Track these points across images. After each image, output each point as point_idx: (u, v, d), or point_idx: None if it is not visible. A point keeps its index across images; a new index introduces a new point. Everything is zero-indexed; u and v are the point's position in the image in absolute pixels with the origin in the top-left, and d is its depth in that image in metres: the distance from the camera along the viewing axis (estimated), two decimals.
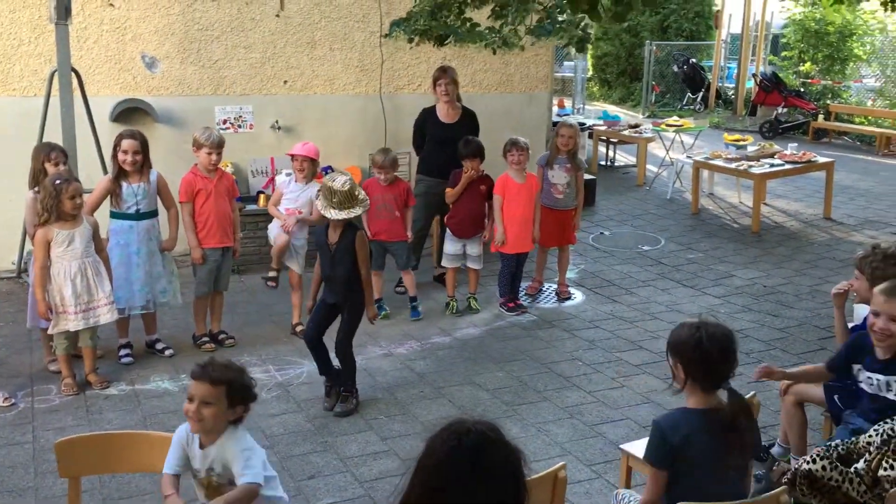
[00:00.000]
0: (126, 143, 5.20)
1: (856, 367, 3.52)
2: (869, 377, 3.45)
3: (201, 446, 2.87)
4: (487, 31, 5.76)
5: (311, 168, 6.03)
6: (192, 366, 2.87)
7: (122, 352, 5.47)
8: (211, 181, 5.57)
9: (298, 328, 5.96)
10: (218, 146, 5.56)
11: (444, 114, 6.90)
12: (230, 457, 2.83)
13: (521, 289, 6.82)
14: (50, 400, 4.88)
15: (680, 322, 2.88)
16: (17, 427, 4.54)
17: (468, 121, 6.97)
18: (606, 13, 3.04)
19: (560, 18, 5.30)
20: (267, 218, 7.18)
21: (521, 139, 6.44)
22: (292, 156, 6.03)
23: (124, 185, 5.26)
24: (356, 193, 4.65)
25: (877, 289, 3.39)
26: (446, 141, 6.73)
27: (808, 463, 2.96)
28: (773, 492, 2.67)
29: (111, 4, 6.96)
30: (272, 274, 6.07)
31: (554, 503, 2.74)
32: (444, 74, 6.84)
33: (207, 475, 2.89)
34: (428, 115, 6.97)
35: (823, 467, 2.91)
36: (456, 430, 1.90)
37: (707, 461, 2.66)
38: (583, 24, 5.27)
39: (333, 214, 4.60)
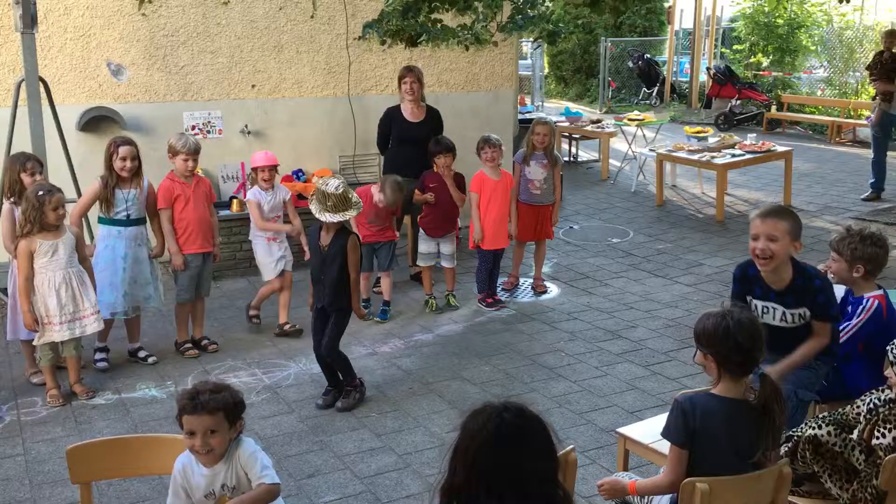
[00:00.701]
0: (124, 150, 5.19)
1: (748, 298, 3.68)
2: (765, 306, 3.61)
3: (206, 465, 2.81)
4: (459, 29, 5.83)
5: (275, 175, 6.13)
6: (180, 400, 2.78)
7: (98, 356, 5.43)
8: (189, 187, 5.55)
9: (287, 327, 5.99)
10: (194, 152, 5.54)
11: (410, 113, 6.95)
12: (245, 463, 2.81)
13: (497, 284, 6.91)
14: (36, 412, 4.82)
15: (703, 313, 2.90)
16: (6, 440, 4.48)
17: (433, 120, 7.04)
18: (606, 6, 3.13)
19: (531, 13, 5.38)
20: (243, 223, 7.19)
21: (494, 136, 6.52)
22: (256, 168, 6.01)
23: (117, 191, 5.24)
24: (349, 196, 4.70)
25: (752, 214, 3.59)
26: (413, 140, 6.79)
27: (812, 429, 3.07)
28: (776, 464, 2.77)
29: (143, 14, 6.92)
30: (254, 313, 6.16)
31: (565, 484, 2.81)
32: (410, 73, 6.88)
33: (222, 493, 2.83)
34: (394, 114, 7.01)
35: (829, 433, 3.02)
36: (493, 412, 1.96)
37: (722, 447, 2.72)
38: (553, 17, 5.35)
39: (328, 217, 4.63)
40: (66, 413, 4.81)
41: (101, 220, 5.30)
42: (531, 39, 7.59)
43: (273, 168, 6.04)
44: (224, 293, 6.94)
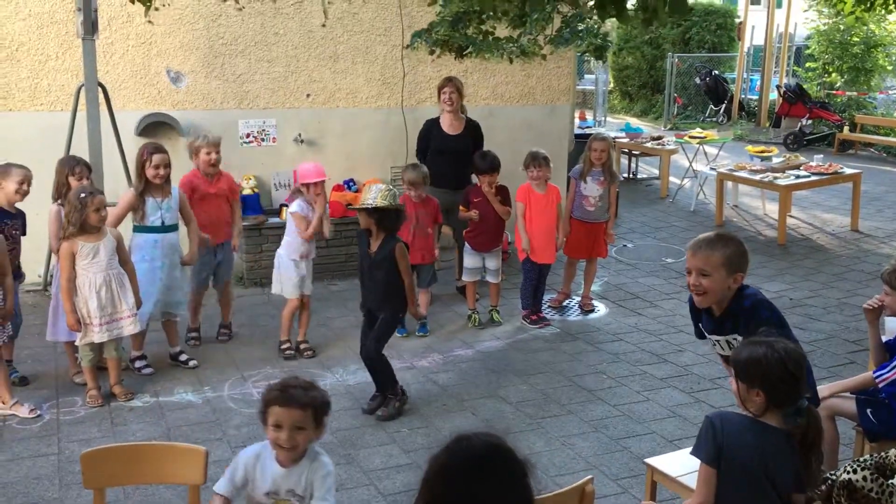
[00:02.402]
0: (157, 158, 5.27)
1: (707, 334, 3.35)
2: (712, 340, 3.30)
3: (282, 465, 2.73)
4: (505, 41, 5.77)
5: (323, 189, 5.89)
6: (269, 392, 2.69)
7: (139, 363, 5.49)
8: (210, 184, 5.73)
9: (303, 346, 5.86)
10: (215, 144, 5.73)
11: (448, 125, 6.90)
12: (316, 480, 2.72)
13: (544, 301, 6.78)
14: (75, 412, 4.90)
15: (741, 344, 2.75)
16: (42, 439, 4.56)
17: (472, 133, 6.98)
18: (635, 17, 3.02)
19: (579, 27, 5.29)
20: None
21: (541, 153, 6.37)
22: (307, 184, 5.66)
23: (148, 199, 5.30)
24: (363, 195, 4.85)
25: (687, 246, 3.24)
26: (450, 152, 6.73)
27: (847, 473, 2.89)
28: None
29: (150, 22, 6.99)
30: (286, 346, 5.80)
31: None
32: (449, 83, 6.83)
33: (287, 497, 2.74)
34: (432, 126, 6.97)
35: (864, 478, 2.83)
36: (456, 438, 1.94)
37: (750, 468, 2.59)
38: (601, 31, 5.26)
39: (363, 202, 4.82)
40: (104, 414, 4.88)
41: (136, 229, 5.36)
42: (580, 53, 7.46)
43: (323, 183, 5.77)
44: (270, 301, 6.96)
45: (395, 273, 4.84)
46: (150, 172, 5.25)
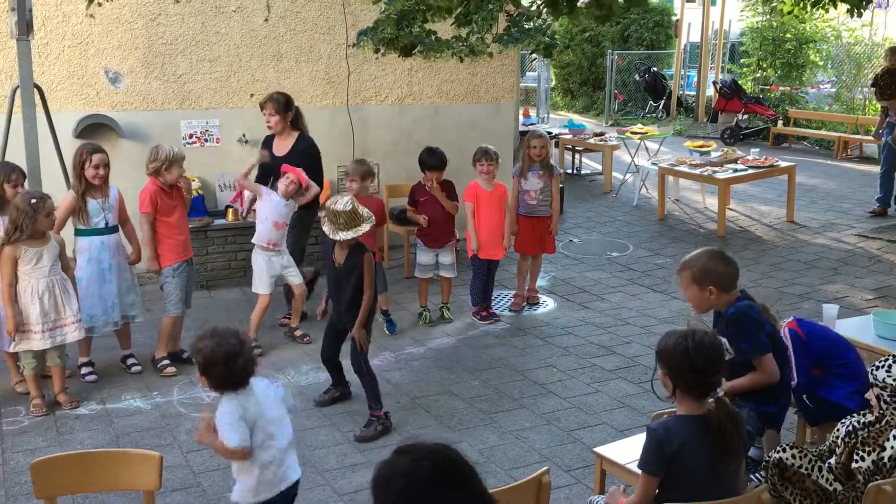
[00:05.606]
0: (97, 158, 5.15)
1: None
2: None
3: None
4: (454, 40, 5.79)
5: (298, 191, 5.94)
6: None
7: (85, 370, 5.37)
8: (174, 195, 5.46)
9: (297, 332, 6.05)
10: (182, 159, 5.46)
11: (277, 145, 6.46)
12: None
13: (500, 298, 6.83)
14: (19, 421, 4.78)
15: (667, 330, 2.87)
16: None
17: (298, 153, 6.33)
18: (588, 14, 3.06)
19: (527, 26, 5.33)
20: (238, 232, 7.17)
21: (491, 148, 6.45)
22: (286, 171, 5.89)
23: (90, 201, 5.19)
24: (360, 211, 4.58)
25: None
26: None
27: (777, 453, 3.01)
28: (754, 490, 2.70)
29: (91, 16, 6.78)
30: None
31: None
32: (268, 102, 6.33)
33: None
34: (267, 143, 6.55)
35: (793, 455, 2.95)
36: (403, 463, 1.83)
37: (701, 467, 2.67)
38: (549, 30, 5.31)
39: (342, 236, 4.51)
40: (49, 423, 4.77)
41: (79, 233, 5.24)
42: (528, 52, 7.49)
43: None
44: (217, 302, 6.89)
45: (362, 284, 4.66)
46: (89, 173, 5.14)
